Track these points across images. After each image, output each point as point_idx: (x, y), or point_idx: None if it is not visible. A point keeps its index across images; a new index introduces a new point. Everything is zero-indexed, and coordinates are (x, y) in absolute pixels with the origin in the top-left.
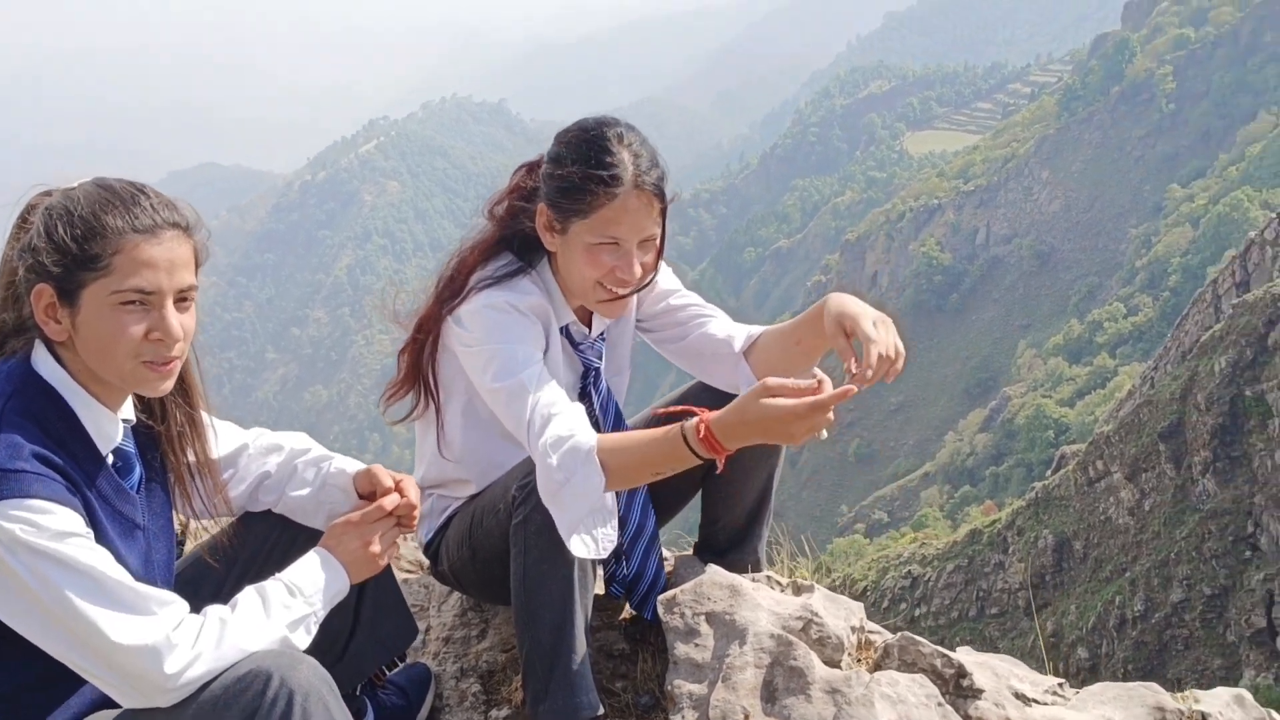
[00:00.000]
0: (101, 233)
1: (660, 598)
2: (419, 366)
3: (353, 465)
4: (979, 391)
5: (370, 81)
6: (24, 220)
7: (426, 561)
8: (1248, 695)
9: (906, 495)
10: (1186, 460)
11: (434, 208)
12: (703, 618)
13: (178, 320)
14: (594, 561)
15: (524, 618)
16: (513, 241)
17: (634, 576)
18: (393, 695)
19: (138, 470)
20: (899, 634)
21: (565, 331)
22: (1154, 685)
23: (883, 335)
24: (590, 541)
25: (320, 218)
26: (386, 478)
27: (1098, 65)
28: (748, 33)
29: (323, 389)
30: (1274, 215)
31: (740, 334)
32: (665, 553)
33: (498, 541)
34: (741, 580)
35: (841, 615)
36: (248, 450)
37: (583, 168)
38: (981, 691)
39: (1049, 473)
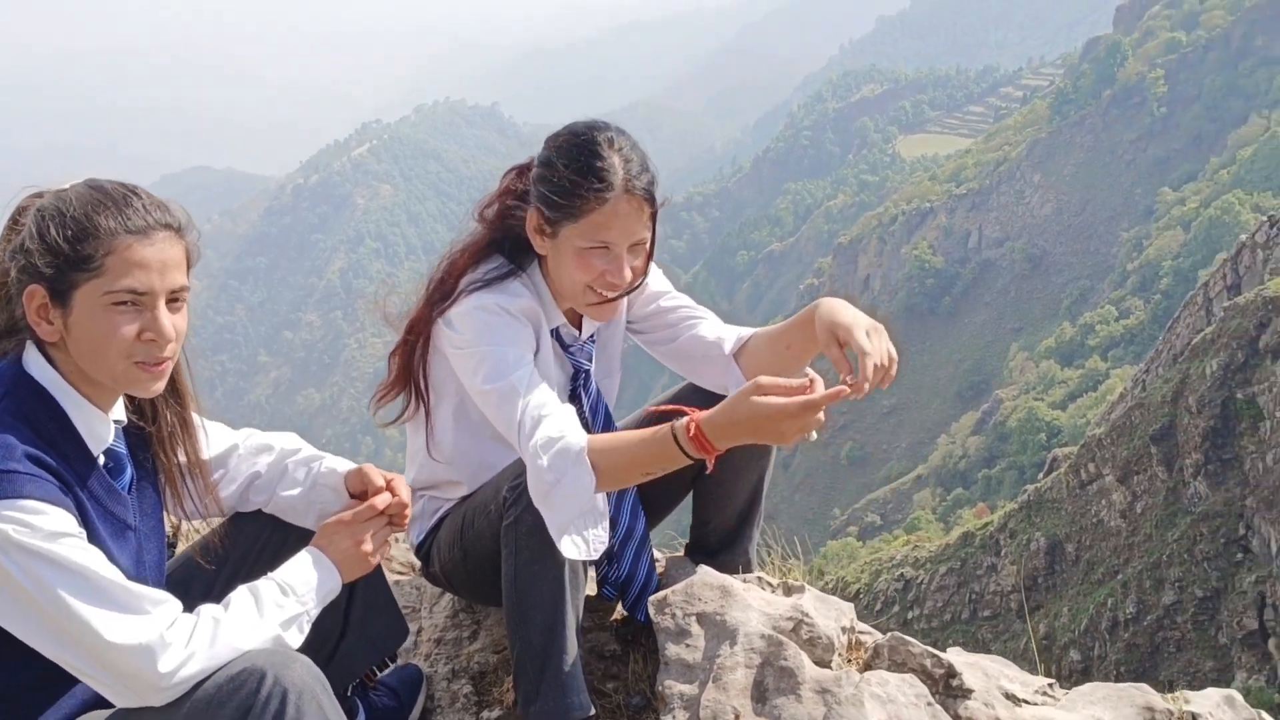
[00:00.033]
0: (94, 233)
1: (651, 598)
2: (410, 369)
3: (344, 465)
4: (971, 394)
5: (363, 85)
6: (15, 222)
7: (418, 563)
8: (1238, 696)
9: (899, 498)
10: (1178, 463)
11: (427, 211)
12: (694, 618)
13: (170, 321)
14: (585, 563)
15: (515, 619)
16: (503, 244)
17: (625, 579)
18: (384, 696)
19: (129, 471)
20: (889, 634)
21: (555, 334)
22: (1144, 686)
23: (876, 345)
24: (581, 542)
25: (313, 221)
26: (378, 477)
27: (1089, 69)
28: (741, 36)
29: (315, 392)
30: (1265, 218)
31: (730, 336)
32: (657, 554)
33: (489, 543)
34: (732, 581)
35: (832, 616)
36: (238, 451)
37: (573, 172)
38: (971, 691)
39: (1041, 475)
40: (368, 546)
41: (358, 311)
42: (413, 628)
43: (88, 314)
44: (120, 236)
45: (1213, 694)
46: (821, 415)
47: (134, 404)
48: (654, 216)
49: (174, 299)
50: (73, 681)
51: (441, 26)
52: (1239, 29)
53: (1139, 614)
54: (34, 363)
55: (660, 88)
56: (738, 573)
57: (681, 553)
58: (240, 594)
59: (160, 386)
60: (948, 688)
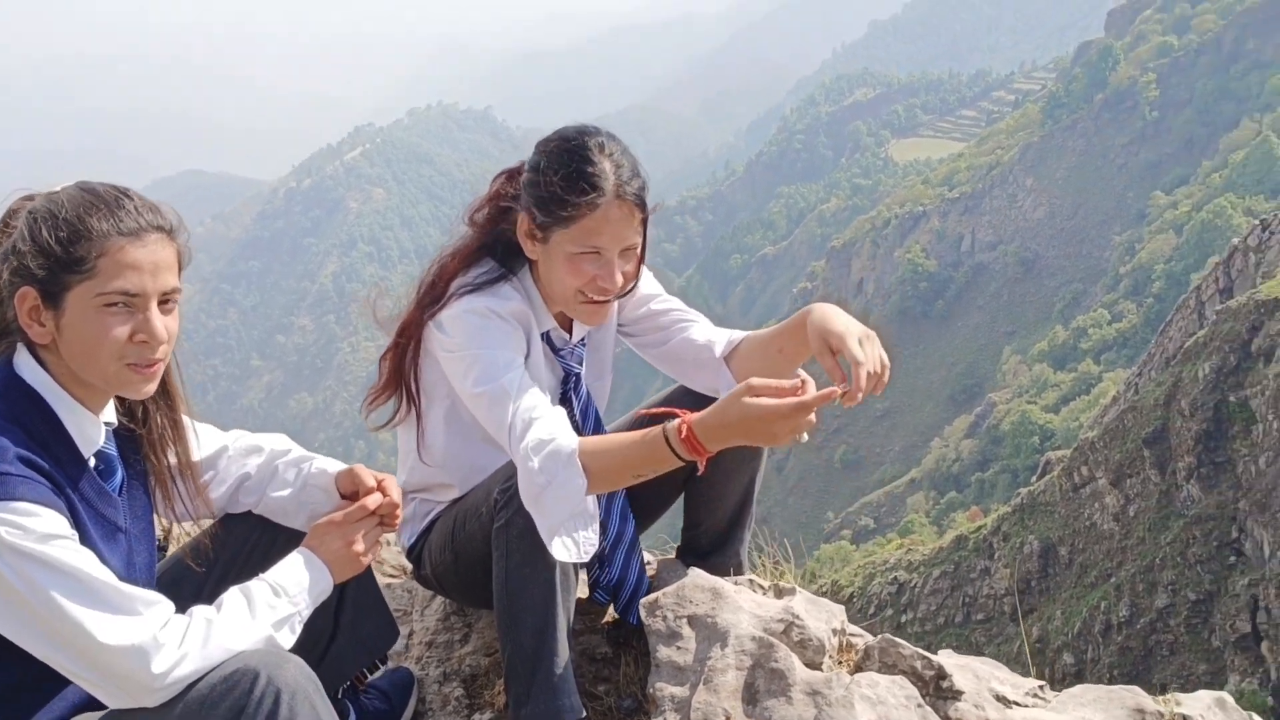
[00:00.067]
0: (86, 235)
1: (642, 601)
2: (401, 372)
3: (334, 465)
4: (964, 398)
5: (356, 88)
6: (6, 224)
7: (409, 566)
8: (1229, 699)
9: (892, 501)
10: (1171, 466)
11: (419, 215)
12: (685, 620)
13: (162, 322)
14: (576, 565)
15: (506, 621)
16: (494, 248)
17: (616, 583)
18: (375, 699)
19: (119, 473)
20: (879, 636)
21: (546, 338)
22: (1135, 688)
23: (869, 353)
24: (572, 545)
25: (305, 225)
26: (369, 477)
27: (1081, 73)
28: (734, 40)
29: (308, 396)
30: (1257, 222)
31: (721, 339)
32: (648, 556)
33: (480, 545)
34: (723, 583)
35: (822, 618)
36: (228, 452)
37: (564, 178)
38: (961, 693)
39: (1034, 479)
40: (359, 547)
41: (350, 315)
42: (404, 631)
43: (80, 316)
44: (112, 238)
45: (1204, 696)
46: (813, 416)
47: (124, 406)
48: (645, 221)
49: (166, 301)
50: (66, 682)
51: (434, 30)
52: (1230, 33)
53: (1132, 617)
54: (25, 365)
55: (654, 91)
56: (729, 575)
57: (673, 555)
58: (232, 595)
59: (152, 388)
60: (938, 689)
